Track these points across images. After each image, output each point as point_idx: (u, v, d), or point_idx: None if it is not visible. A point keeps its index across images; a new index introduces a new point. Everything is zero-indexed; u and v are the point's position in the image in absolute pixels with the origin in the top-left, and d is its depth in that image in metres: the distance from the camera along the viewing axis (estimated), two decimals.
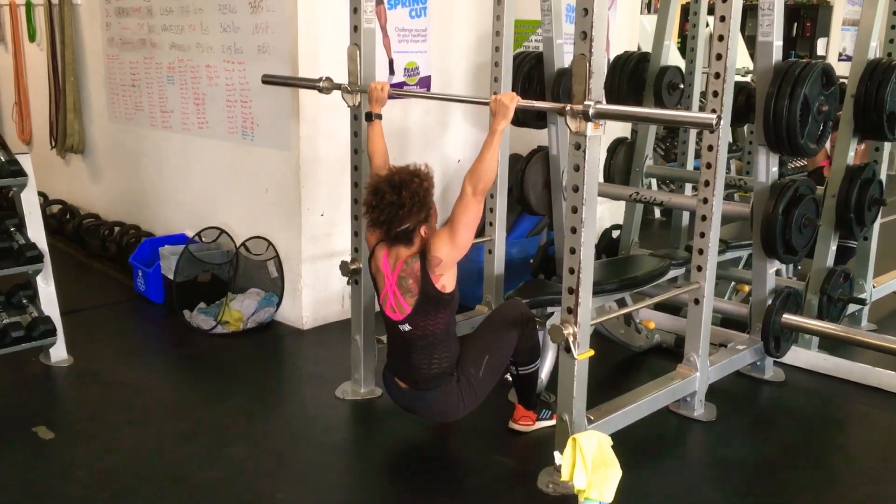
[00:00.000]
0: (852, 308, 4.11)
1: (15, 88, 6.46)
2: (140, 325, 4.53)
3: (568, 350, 2.67)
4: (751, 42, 5.17)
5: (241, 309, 4.25)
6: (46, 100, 5.92)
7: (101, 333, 4.29)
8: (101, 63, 5.46)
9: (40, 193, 5.63)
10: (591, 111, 2.48)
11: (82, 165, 5.92)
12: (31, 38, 6.12)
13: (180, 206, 5.01)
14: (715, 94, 3.10)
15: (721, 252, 3.87)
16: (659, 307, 4.10)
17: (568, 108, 2.51)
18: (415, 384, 2.98)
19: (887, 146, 3.99)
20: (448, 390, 2.96)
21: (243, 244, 4.43)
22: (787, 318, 3.58)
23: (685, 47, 4.72)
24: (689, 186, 4.74)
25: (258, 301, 4.31)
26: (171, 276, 4.41)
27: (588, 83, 2.49)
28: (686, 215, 4.59)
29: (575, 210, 2.59)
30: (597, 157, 2.59)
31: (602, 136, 2.58)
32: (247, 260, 4.44)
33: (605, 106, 2.50)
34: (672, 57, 4.76)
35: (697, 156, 4.56)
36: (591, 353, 2.71)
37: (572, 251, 2.62)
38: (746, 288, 4.47)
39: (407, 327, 2.90)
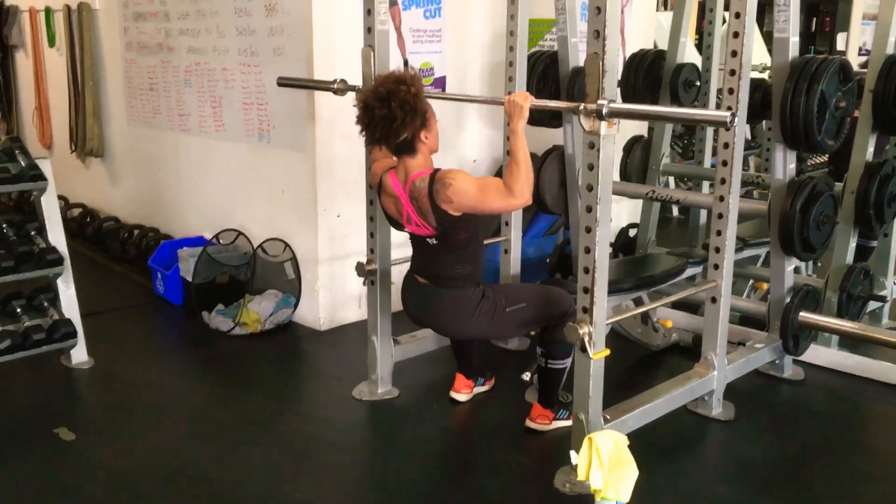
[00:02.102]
0: (873, 305, 4.07)
1: (35, 93, 6.54)
2: (159, 327, 4.57)
3: (584, 349, 2.66)
4: (768, 38, 5.14)
5: (259, 310, 4.28)
6: (66, 104, 5.99)
7: (121, 335, 4.33)
8: (119, 67, 5.51)
9: (61, 197, 5.71)
10: (604, 110, 2.47)
11: (102, 169, 5.97)
12: (51, 43, 6.19)
13: (198, 208, 5.04)
14: (731, 91, 3.08)
15: (739, 250, 3.85)
16: (676, 305, 4.08)
17: (581, 107, 2.50)
18: (436, 279, 3.00)
19: None
20: (467, 294, 2.98)
21: (260, 246, 4.45)
22: (805, 316, 3.55)
23: (702, 44, 4.70)
24: (706, 184, 4.72)
25: (276, 302, 4.33)
26: (189, 278, 4.45)
27: (601, 82, 2.48)
28: (703, 213, 4.56)
29: (589, 209, 2.59)
30: (611, 156, 2.58)
31: (616, 134, 2.57)
32: (264, 261, 4.46)
33: (618, 105, 2.49)
34: (689, 54, 4.74)
35: (714, 153, 4.54)
36: (607, 352, 2.70)
37: (587, 250, 2.62)
38: (765, 286, 4.43)
39: (434, 241, 2.94)
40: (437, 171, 2.88)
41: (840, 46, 9.85)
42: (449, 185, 2.80)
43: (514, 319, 3.04)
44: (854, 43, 9.46)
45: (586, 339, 2.64)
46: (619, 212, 5.17)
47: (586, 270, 2.62)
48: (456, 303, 2.99)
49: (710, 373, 3.25)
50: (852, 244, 3.82)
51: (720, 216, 3.19)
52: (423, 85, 2.85)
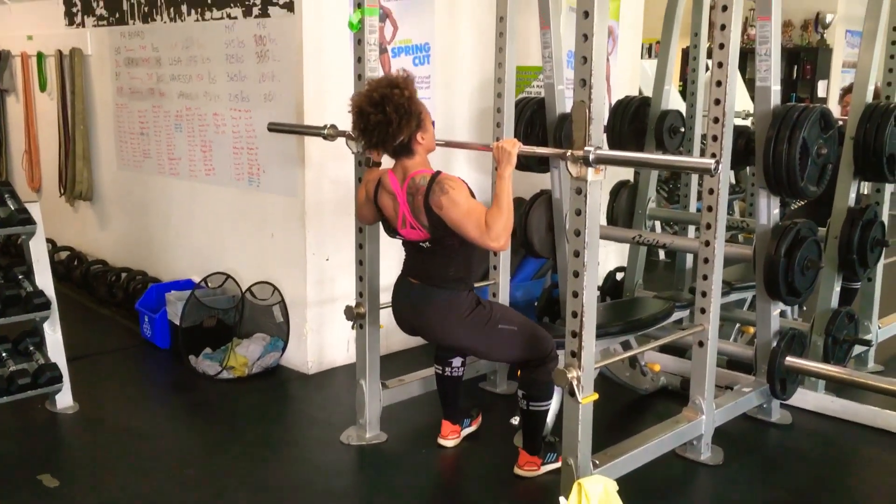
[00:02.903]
0: (858, 349, 4.10)
1: (25, 137, 6.55)
2: (146, 371, 4.53)
3: (572, 394, 2.66)
4: (751, 85, 5.24)
5: (247, 354, 4.26)
6: (56, 148, 6.01)
7: (106, 380, 4.30)
8: (110, 112, 5.55)
9: (49, 240, 5.69)
10: (591, 157, 2.50)
11: (90, 212, 5.98)
12: (42, 87, 6.23)
13: (187, 251, 5.05)
14: (715, 138, 3.14)
15: (725, 294, 3.88)
16: (664, 349, 4.10)
17: (569, 153, 2.54)
18: (429, 279, 3.00)
19: (888, 187, 4.01)
20: (460, 297, 2.98)
21: (249, 289, 4.45)
22: (791, 360, 3.57)
23: (685, 91, 4.79)
24: (692, 228, 4.77)
25: (264, 346, 4.32)
26: (177, 322, 4.43)
27: (588, 129, 2.52)
28: (690, 257, 4.60)
29: (577, 254, 2.61)
30: (598, 202, 2.61)
31: (603, 180, 2.61)
32: (252, 305, 4.46)
33: (605, 151, 2.53)
34: (673, 100, 4.83)
35: (699, 198, 4.61)
36: (596, 396, 2.71)
37: (575, 295, 2.63)
38: (752, 329, 4.46)
39: (427, 244, 2.95)
40: (439, 172, 2.89)
41: (821, 93, 10.03)
42: (447, 191, 2.82)
43: (503, 339, 3.03)
44: (834, 90, 9.64)
45: (575, 383, 2.64)
46: (607, 255, 5.20)
47: (574, 314, 2.64)
48: (448, 304, 2.98)
49: (698, 417, 3.25)
50: (837, 288, 3.86)
51: (706, 261, 3.23)
52: (415, 86, 2.88)
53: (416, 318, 3.09)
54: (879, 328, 4.28)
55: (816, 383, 3.86)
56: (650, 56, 9.07)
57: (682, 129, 4.50)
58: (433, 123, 3.04)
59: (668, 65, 4.53)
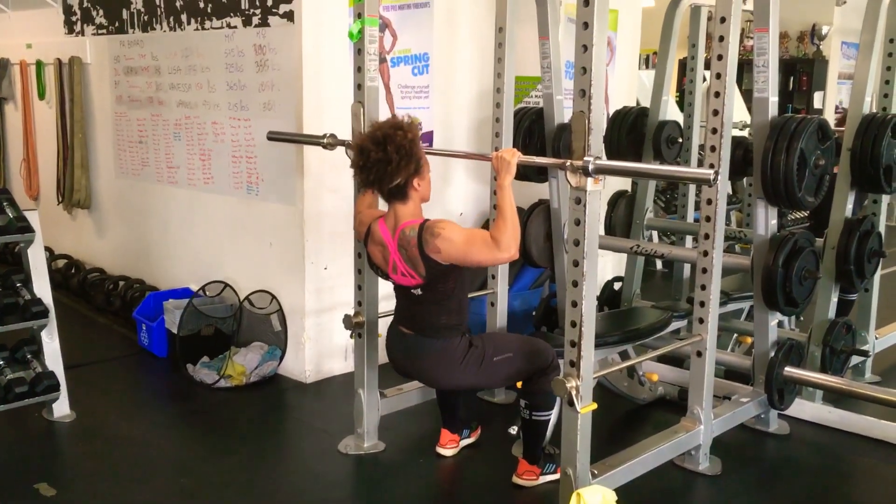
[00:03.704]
0: (856, 360, 4.11)
1: (23, 145, 6.56)
2: (143, 380, 4.53)
3: (571, 403, 2.66)
4: (748, 96, 5.25)
5: (245, 363, 4.26)
6: (54, 156, 6.00)
7: (104, 388, 4.28)
8: (109, 120, 5.55)
9: (46, 248, 5.65)
10: (590, 167, 2.51)
11: (88, 220, 5.97)
12: (41, 95, 6.23)
13: (185, 260, 5.05)
14: (713, 148, 3.15)
15: (723, 304, 3.89)
16: (662, 359, 4.10)
17: (568, 163, 2.55)
18: (421, 330, 2.98)
19: (885, 198, 4.03)
20: (453, 344, 2.96)
21: (247, 298, 4.45)
22: (790, 371, 3.57)
23: (683, 101, 4.81)
24: (689, 238, 4.78)
25: (261, 355, 4.31)
26: (174, 330, 4.43)
27: (587, 139, 2.53)
28: (687, 267, 4.61)
29: (576, 264, 2.62)
30: (597, 212, 2.62)
31: (602, 190, 2.62)
32: (250, 313, 4.46)
33: (604, 161, 2.54)
34: (671, 111, 4.84)
35: (697, 208, 4.61)
36: (594, 406, 2.71)
37: (574, 304, 2.64)
38: (749, 339, 4.46)
39: (419, 291, 2.93)
40: (426, 220, 2.90)
41: (817, 104, 10.06)
42: (438, 234, 2.82)
43: (501, 369, 3.04)
44: (830, 101, 9.68)
45: (573, 393, 2.64)
46: (604, 265, 5.22)
47: (573, 324, 2.64)
48: (442, 353, 2.98)
49: (696, 427, 3.26)
50: (834, 299, 3.87)
51: (704, 271, 3.24)
52: (419, 133, 2.89)
53: (410, 366, 3.10)
54: (877, 339, 4.29)
55: (814, 394, 3.87)
56: (647, 67, 9.11)
57: (680, 140, 4.51)
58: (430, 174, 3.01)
59: (665, 75, 4.54)
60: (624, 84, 5.58)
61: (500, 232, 2.80)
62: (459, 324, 3.00)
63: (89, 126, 5.77)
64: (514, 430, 3.49)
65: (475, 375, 3.03)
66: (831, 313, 3.88)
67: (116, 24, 5.27)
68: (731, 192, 6.88)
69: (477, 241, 2.84)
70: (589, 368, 2.68)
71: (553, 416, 3.32)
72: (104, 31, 5.41)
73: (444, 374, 3.05)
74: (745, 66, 7.95)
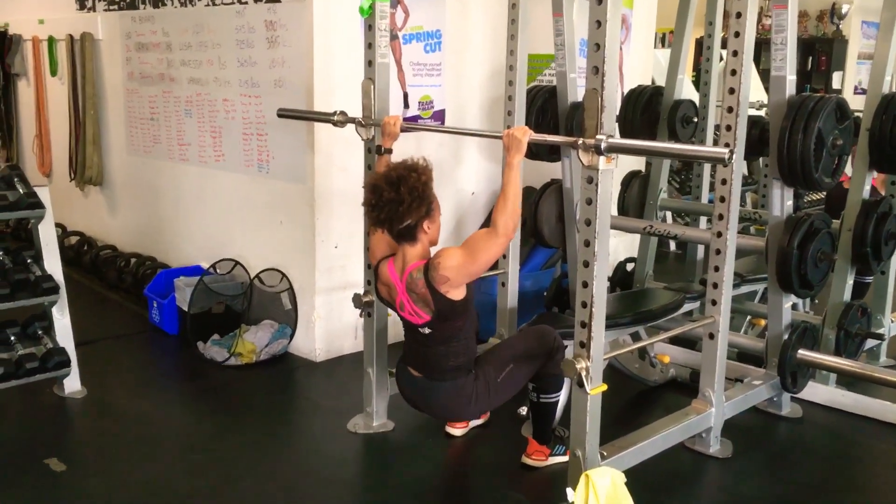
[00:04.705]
0: (870, 343, 4.06)
1: (36, 121, 6.56)
2: (154, 357, 4.54)
3: (580, 384, 2.64)
4: (765, 75, 5.17)
5: (255, 341, 4.26)
6: (66, 133, 6.00)
7: (115, 365, 4.30)
8: (120, 97, 5.54)
9: (59, 225, 5.70)
10: (602, 145, 2.47)
11: (100, 197, 5.98)
12: (53, 72, 6.22)
13: (196, 237, 5.04)
14: (728, 127, 3.10)
15: (736, 286, 3.83)
16: (674, 341, 4.07)
17: (580, 141, 2.51)
18: (430, 373, 2.95)
19: None
20: (462, 384, 2.93)
21: (257, 276, 4.44)
22: (804, 354, 3.53)
23: (699, 81, 4.74)
24: (703, 219, 4.73)
25: (271, 333, 4.31)
26: (185, 308, 4.43)
27: (600, 117, 2.49)
28: (701, 248, 4.56)
29: (587, 244, 2.58)
30: (609, 191, 2.58)
31: (615, 169, 2.58)
32: (261, 291, 4.45)
33: (616, 140, 2.50)
34: (686, 90, 4.77)
35: (712, 188, 4.56)
36: (604, 387, 2.68)
37: (585, 285, 2.61)
38: (762, 322, 4.42)
39: (427, 330, 2.89)
40: (429, 260, 2.84)
41: (836, 85, 9.93)
42: (438, 265, 2.77)
43: (509, 383, 2.99)
44: (850, 82, 9.55)
45: (583, 374, 2.61)
46: (617, 246, 5.17)
47: (584, 305, 2.61)
48: (452, 395, 2.95)
49: (707, 409, 3.23)
50: (850, 281, 3.82)
51: (718, 252, 3.19)
52: (433, 176, 2.84)
53: (422, 406, 3.07)
54: (892, 322, 4.24)
55: (827, 377, 3.83)
56: (663, 45, 9.00)
57: (695, 119, 4.45)
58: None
59: (681, 54, 4.47)
60: (639, 63, 5.51)
61: (499, 212, 2.75)
62: (467, 362, 2.94)
63: (101, 103, 5.76)
64: (523, 410, 3.48)
65: (487, 402, 3.00)
66: (846, 296, 3.83)
67: (127, 0, 5.24)
68: (746, 173, 6.81)
69: (476, 244, 2.79)
70: (599, 350, 2.65)
71: (562, 397, 3.31)
72: (115, 6, 5.38)
73: (457, 413, 3.06)
74: (763, 46, 7.83)
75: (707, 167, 4.72)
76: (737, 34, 3.05)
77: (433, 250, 2.90)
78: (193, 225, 5.06)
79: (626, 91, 4.66)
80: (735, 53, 3.06)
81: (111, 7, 5.43)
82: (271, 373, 4.17)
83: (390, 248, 2.95)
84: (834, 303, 3.82)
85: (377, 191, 2.78)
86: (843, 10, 10.02)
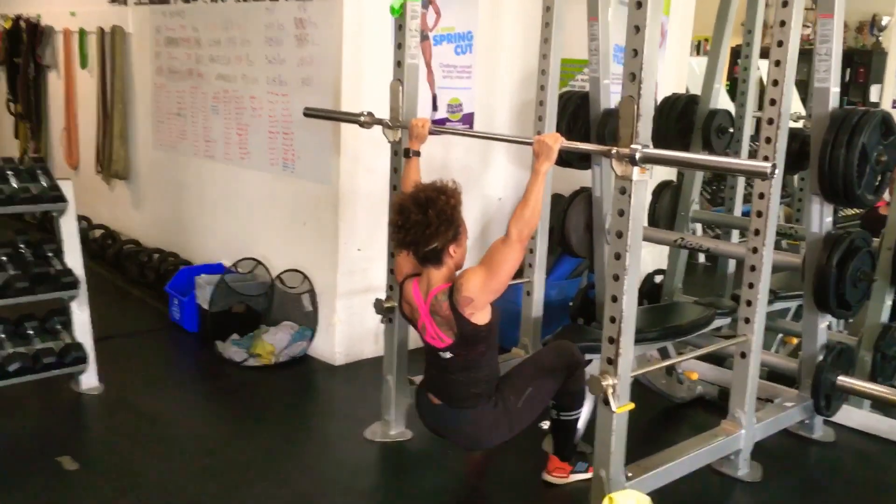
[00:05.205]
0: None
1: (65, 114, 6.57)
2: (172, 355, 4.50)
3: (606, 402, 2.55)
4: (800, 86, 5.03)
5: (274, 342, 4.20)
6: (94, 125, 6.00)
7: (132, 362, 4.26)
8: (148, 91, 5.52)
9: (84, 218, 5.70)
10: (637, 155, 2.38)
11: (126, 191, 5.97)
12: (83, 64, 6.23)
13: (219, 235, 5.00)
14: (768, 140, 2.99)
15: (769, 303, 3.71)
16: (702, 357, 3.95)
17: (614, 151, 2.42)
18: (450, 401, 2.85)
19: None
20: (483, 413, 2.83)
21: (279, 276, 4.39)
22: (843, 380, 3.39)
23: (733, 90, 4.62)
24: (735, 233, 4.61)
25: (291, 335, 4.25)
26: (205, 306, 4.39)
27: (636, 126, 2.40)
28: (732, 262, 4.45)
29: (618, 257, 2.49)
30: (642, 203, 2.49)
31: (649, 180, 2.48)
32: (282, 292, 4.40)
33: (652, 150, 2.41)
34: (721, 100, 4.65)
35: (746, 201, 4.43)
36: (631, 406, 2.59)
37: (614, 299, 2.52)
38: (794, 340, 4.29)
39: (448, 355, 2.79)
40: (453, 283, 2.74)
41: (874, 98, 9.73)
42: (461, 286, 2.68)
43: (528, 408, 2.88)
44: (888, 95, 9.34)
45: (610, 391, 2.52)
46: (645, 257, 5.00)
47: (613, 320, 2.52)
48: (474, 424, 2.85)
49: (737, 431, 3.11)
50: (888, 302, 3.69)
51: (753, 268, 3.08)
52: (461, 199, 2.75)
53: (443, 433, 2.97)
54: None
55: (862, 400, 3.69)
56: (698, 53, 8.85)
57: (731, 130, 4.33)
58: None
59: (718, 62, 4.35)
60: (674, 70, 5.39)
61: (515, 218, 2.64)
62: (488, 389, 2.84)
63: (129, 97, 5.75)
64: (545, 425, 3.37)
65: (510, 429, 2.89)
66: (884, 317, 3.70)
67: None
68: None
69: (492, 258, 2.69)
70: (627, 367, 2.56)
71: (585, 412, 3.21)
72: (146, 0, 5.36)
73: (478, 441, 2.94)
74: (801, 56, 7.69)
75: (741, 179, 4.60)
76: (780, 43, 2.95)
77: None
78: (217, 222, 5.02)
79: (660, 99, 4.55)
80: (777, 63, 2.96)
81: (142, 1, 5.41)
82: (290, 375, 4.11)
83: (416, 267, 2.85)
84: (871, 324, 3.69)
85: (404, 212, 2.69)
86: (884, 22, 9.81)
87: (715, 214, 5.61)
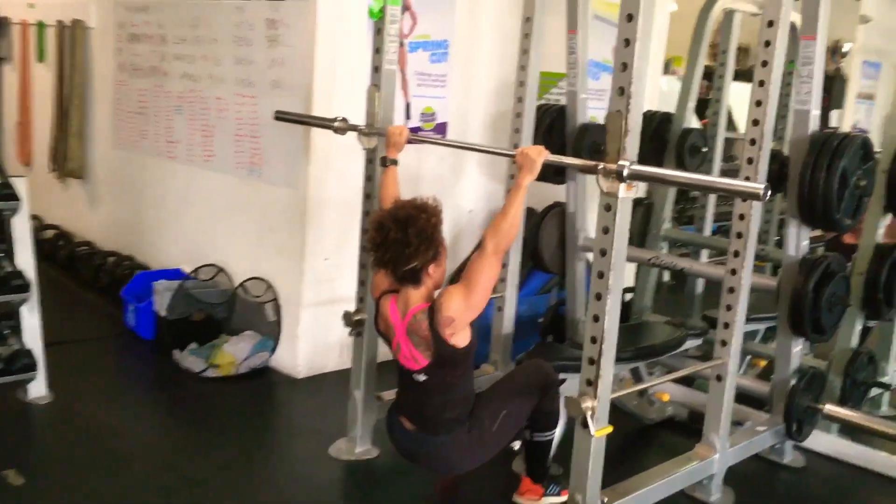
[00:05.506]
0: (873, 392, 3.92)
1: (19, 109, 6.33)
2: (126, 363, 4.32)
3: (585, 425, 2.47)
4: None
5: (235, 352, 4.05)
6: (50, 122, 5.78)
7: (84, 369, 4.07)
8: (109, 88, 5.34)
9: (35, 217, 5.46)
10: (625, 171, 2.32)
11: (81, 191, 5.76)
12: (40, 58, 6.01)
13: (179, 239, 4.83)
14: (750, 160, 2.96)
15: None
16: (674, 378, 3.90)
17: (601, 166, 2.36)
18: (423, 426, 2.75)
19: None
20: (457, 438, 2.73)
21: (242, 284, 4.25)
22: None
23: (699, 109, 4.61)
24: (704, 252, 4.59)
25: (253, 345, 4.11)
26: (163, 313, 4.22)
27: (623, 141, 2.34)
28: (700, 282, 4.42)
29: (601, 275, 2.42)
30: (627, 220, 2.43)
31: (634, 196, 2.42)
32: (244, 301, 4.25)
33: (641, 167, 2.35)
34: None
35: (717, 220, 4.42)
36: (610, 429, 2.52)
37: (595, 318, 2.44)
38: (762, 362, 4.28)
39: (422, 377, 2.69)
40: (433, 303, 2.64)
41: (833, 123, 9.89)
42: (441, 306, 2.59)
43: (503, 431, 2.79)
44: (847, 121, 9.50)
45: (589, 414, 2.45)
46: None
47: (594, 340, 2.45)
48: (449, 450, 2.75)
49: (712, 455, 3.06)
50: (858, 327, 3.69)
51: (731, 290, 3.04)
52: (441, 219, 2.65)
53: (415, 460, 2.87)
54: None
55: (830, 425, 3.68)
56: (666, 72, 8.89)
57: (703, 149, 4.32)
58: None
59: (693, 81, 4.34)
60: (647, 89, 5.36)
61: (492, 231, 2.57)
62: (463, 413, 2.74)
63: (88, 93, 5.56)
64: (515, 445, 3.29)
65: (485, 453, 2.80)
66: (854, 342, 3.69)
67: None
68: None
69: (470, 274, 2.60)
70: (607, 388, 2.48)
71: (557, 433, 3.13)
72: None
73: (452, 467, 2.86)
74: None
75: (712, 198, 4.59)
76: (764, 63, 2.92)
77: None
78: (177, 226, 4.85)
79: None
80: (761, 83, 2.93)
81: None
82: (250, 387, 3.96)
83: (393, 283, 2.74)
84: (841, 349, 3.68)
85: (383, 230, 2.58)
86: (844, 49, 9.99)
87: (688, 234, 5.59)
